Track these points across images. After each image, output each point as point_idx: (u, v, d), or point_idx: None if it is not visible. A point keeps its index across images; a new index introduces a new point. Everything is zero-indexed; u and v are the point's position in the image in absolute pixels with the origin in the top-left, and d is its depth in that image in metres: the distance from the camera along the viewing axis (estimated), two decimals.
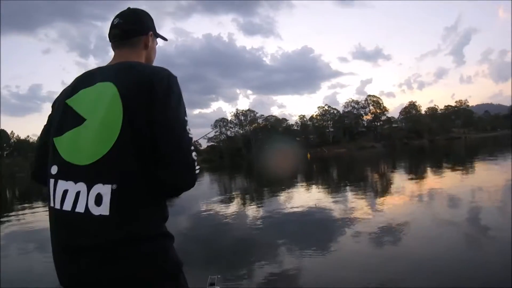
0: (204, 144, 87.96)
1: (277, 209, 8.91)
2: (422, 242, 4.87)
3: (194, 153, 1.04)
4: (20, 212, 12.69)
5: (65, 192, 1.01)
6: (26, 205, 15.32)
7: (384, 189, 11.49)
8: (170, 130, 1.01)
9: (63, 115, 1.10)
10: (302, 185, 14.97)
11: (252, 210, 9.48)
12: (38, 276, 4.67)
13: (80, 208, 0.98)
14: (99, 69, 1.17)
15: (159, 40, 1.39)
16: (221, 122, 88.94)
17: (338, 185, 14.24)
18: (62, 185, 1.03)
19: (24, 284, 4.50)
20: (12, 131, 77.27)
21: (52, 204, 1.05)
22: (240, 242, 6.14)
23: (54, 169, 1.06)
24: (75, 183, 1.00)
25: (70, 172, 1.02)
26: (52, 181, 1.06)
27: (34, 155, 1.27)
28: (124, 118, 1.00)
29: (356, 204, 8.65)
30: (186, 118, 1.07)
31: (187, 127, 1.05)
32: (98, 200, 0.97)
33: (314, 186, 14.19)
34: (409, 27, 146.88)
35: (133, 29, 1.24)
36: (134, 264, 0.97)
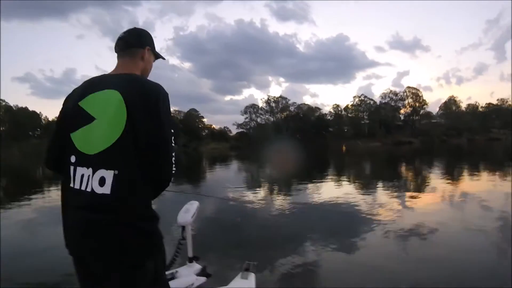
0: (233, 130, 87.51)
1: (304, 201, 9.00)
2: (446, 247, 4.85)
3: (173, 158, 1.34)
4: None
5: (82, 176, 1.29)
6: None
7: (418, 190, 11.00)
8: (159, 141, 1.30)
9: (76, 114, 1.36)
10: (345, 182, 14.47)
11: (286, 202, 9.11)
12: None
13: (89, 188, 1.26)
14: (106, 76, 1.45)
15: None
16: (251, 109, 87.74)
17: (369, 181, 13.91)
18: (80, 170, 1.31)
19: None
20: (40, 112, 79.40)
21: (72, 185, 1.32)
22: (264, 231, 6.22)
23: (72, 158, 1.34)
24: (87, 168, 1.29)
25: (83, 160, 1.31)
26: (72, 167, 1.34)
27: (48, 146, 1.48)
28: (127, 120, 1.27)
29: (392, 205, 8.27)
30: (172, 130, 1.35)
31: (172, 138, 1.34)
32: (102, 182, 1.25)
33: (358, 185, 13.82)
34: (450, 17, 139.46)
35: (133, 41, 1.53)
36: (126, 237, 1.24)
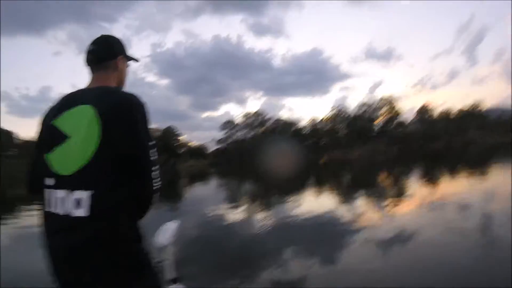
0: (212, 146, 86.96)
1: (285, 215, 9.08)
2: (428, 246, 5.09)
3: (157, 171, 1.26)
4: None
5: (58, 199, 1.22)
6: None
7: (394, 195, 11.25)
8: (137, 152, 1.24)
9: (51, 134, 1.30)
10: (314, 191, 14.72)
11: (263, 216, 9.41)
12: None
13: (64, 211, 1.18)
14: (80, 92, 1.38)
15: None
16: (229, 125, 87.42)
17: (349, 191, 14.40)
18: (56, 193, 1.23)
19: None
20: (12, 131, 76.11)
21: (48, 209, 1.25)
22: (246, 248, 6.25)
23: (49, 181, 1.26)
24: (63, 190, 1.21)
25: (60, 182, 1.22)
26: (47, 190, 1.26)
27: (28, 170, 1.41)
28: (100, 136, 1.19)
29: (365, 210, 8.68)
30: (150, 142, 1.27)
31: (151, 150, 1.27)
32: (77, 203, 1.16)
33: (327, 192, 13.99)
34: (422, 25, 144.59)
35: (104, 54, 1.46)
36: (108, 261, 1.16)
